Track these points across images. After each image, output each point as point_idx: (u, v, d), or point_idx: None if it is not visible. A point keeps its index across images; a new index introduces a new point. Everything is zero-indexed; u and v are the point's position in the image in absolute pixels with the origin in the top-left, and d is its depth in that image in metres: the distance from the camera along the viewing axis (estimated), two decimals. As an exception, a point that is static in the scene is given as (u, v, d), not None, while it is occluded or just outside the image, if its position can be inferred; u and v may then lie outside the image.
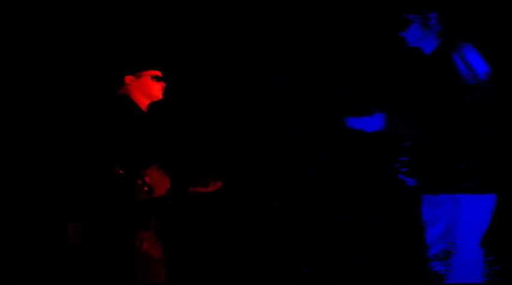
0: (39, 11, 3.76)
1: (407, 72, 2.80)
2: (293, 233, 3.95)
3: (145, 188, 2.61)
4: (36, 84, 3.76)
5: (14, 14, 3.74)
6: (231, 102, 3.99)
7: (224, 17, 3.91)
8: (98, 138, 2.69)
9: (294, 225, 3.98)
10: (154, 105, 2.99)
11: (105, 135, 2.69)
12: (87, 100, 2.93)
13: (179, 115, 3.69)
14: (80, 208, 2.65)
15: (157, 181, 2.67)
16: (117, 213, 2.64)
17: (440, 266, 2.66)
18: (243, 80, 4.00)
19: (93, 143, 2.67)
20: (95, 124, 2.74)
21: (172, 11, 3.86)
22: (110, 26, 3.80)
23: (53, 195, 3.15)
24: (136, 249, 2.68)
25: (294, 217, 4.00)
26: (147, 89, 2.95)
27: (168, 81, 2.98)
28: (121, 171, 2.58)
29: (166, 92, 2.99)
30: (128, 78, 2.93)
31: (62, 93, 3.69)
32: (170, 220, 2.94)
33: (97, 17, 3.81)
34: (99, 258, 2.65)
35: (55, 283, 3.16)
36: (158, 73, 2.98)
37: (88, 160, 2.64)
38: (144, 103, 2.95)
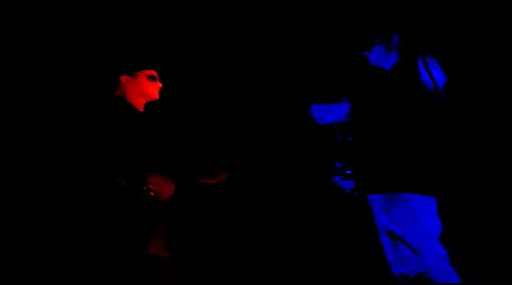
0: (33, 10, 3.74)
1: (369, 84, 2.85)
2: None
3: (151, 194, 2.61)
4: (27, 85, 3.74)
5: (9, 14, 3.72)
6: (226, 100, 3.98)
7: (219, 16, 3.90)
8: (96, 144, 2.67)
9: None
10: (150, 105, 2.98)
11: (102, 141, 2.67)
12: (83, 101, 2.91)
13: (176, 115, 3.68)
14: (87, 212, 2.66)
15: (161, 186, 2.66)
16: (125, 217, 2.64)
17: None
18: (238, 78, 4.00)
19: (92, 151, 2.65)
20: (93, 129, 2.71)
21: (167, 10, 3.85)
22: (105, 25, 3.79)
23: (55, 198, 3.14)
24: (145, 253, 2.69)
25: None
26: (143, 89, 2.93)
27: (164, 81, 2.97)
28: (123, 182, 2.58)
29: (163, 92, 2.98)
30: (124, 78, 2.92)
31: (57, 94, 3.68)
32: (178, 223, 2.95)
33: (93, 16, 3.79)
34: (107, 262, 2.64)
35: (56, 283, 3.16)
36: (154, 73, 2.97)
37: (89, 168, 2.63)
38: (139, 103, 2.94)
